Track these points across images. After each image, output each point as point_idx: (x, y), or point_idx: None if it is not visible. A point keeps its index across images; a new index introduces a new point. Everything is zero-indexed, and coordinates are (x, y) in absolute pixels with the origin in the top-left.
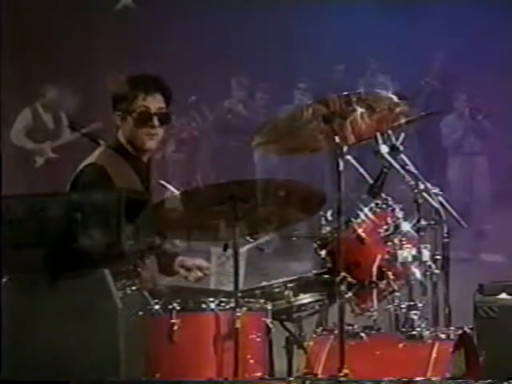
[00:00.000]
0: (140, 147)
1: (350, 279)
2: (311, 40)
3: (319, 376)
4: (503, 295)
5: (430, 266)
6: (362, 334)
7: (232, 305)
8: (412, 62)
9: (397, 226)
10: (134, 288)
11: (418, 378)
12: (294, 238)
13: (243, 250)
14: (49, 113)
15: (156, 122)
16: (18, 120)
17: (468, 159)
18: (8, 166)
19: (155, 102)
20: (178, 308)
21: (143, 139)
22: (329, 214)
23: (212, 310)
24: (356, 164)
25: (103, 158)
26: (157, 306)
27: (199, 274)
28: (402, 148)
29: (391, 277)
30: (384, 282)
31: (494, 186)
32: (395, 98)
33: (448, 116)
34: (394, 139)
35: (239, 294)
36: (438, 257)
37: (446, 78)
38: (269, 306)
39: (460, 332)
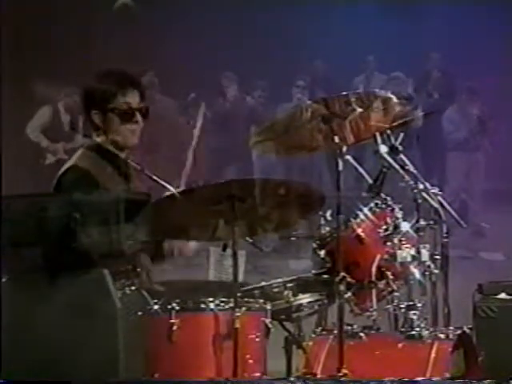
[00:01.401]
0: (123, 144)
1: (349, 279)
2: (310, 38)
3: (318, 376)
4: (502, 295)
5: (429, 266)
6: (362, 334)
7: (231, 305)
8: (411, 60)
9: (396, 226)
10: (133, 288)
11: (420, 378)
12: (293, 238)
13: (242, 250)
14: (68, 114)
15: (138, 117)
16: (38, 116)
17: (469, 156)
18: (17, 160)
19: (135, 98)
20: (177, 308)
21: (126, 136)
22: (328, 214)
23: (211, 309)
24: (355, 164)
25: (84, 160)
26: (156, 306)
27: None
28: (401, 148)
29: (390, 277)
30: (383, 281)
31: (494, 184)
32: (394, 98)
33: (449, 113)
34: (393, 139)
35: (238, 294)
36: (437, 257)
37: (447, 76)
38: (268, 306)
39: (459, 332)
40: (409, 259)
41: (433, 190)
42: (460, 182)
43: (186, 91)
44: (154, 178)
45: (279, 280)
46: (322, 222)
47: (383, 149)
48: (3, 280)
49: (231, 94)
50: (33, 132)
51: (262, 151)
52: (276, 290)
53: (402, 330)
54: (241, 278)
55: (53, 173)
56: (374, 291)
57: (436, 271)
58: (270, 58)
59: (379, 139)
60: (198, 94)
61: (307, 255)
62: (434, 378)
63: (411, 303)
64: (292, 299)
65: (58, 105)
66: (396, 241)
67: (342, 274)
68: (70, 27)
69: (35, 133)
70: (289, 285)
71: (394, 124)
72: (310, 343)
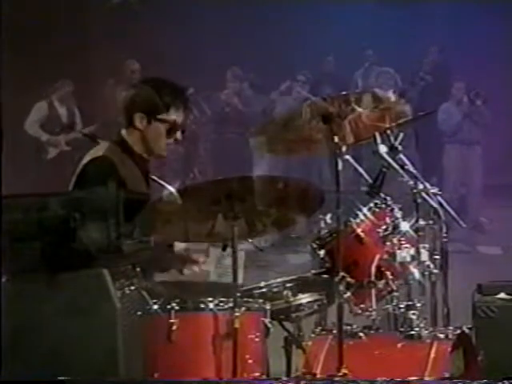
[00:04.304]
0: (155, 153)
1: (348, 279)
2: (310, 34)
3: (318, 376)
4: (502, 295)
5: (428, 266)
6: (361, 334)
7: (231, 305)
8: (410, 52)
9: (395, 226)
10: (132, 288)
11: (412, 378)
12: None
13: (241, 251)
14: (64, 106)
15: (179, 135)
16: (34, 111)
17: (468, 151)
18: (20, 155)
19: (182, 116)
20: (176, 308)
21: (163, 148)
22: (328, 217)
23: (211, 309)
24: (355, 164)
25: (111, 152)
26: (155, 306)
27: (195, 268)
28: (400, 148)
29: (390, 277)
30: (383, 281)
31: (493, 178)
32: (394, 97)
33: (446, 107)
34: (392, 139)
35: (238, 294)
36: (437, 256)
37: (444, 66)
38: (267, 306)
39: (459, 332)
40: (408, 259)
41: (432, 190)
42: (459, 177)
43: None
44: (154, 178)
45: (278, 280)
46: (322, 225)
47: (382, 148)
48: (3, 280)
49: (230, 89)
50: (31, 127)
51: (262, 149)
52: (275, 289)
53: (402, 329)
54: (240, 277)
55: (56, 168)
56: (373, 291)
57: (435, 271)
58: (271, 52)
59: (379, 139)
60: (196, 89)
61: (306, 249)
62: (433, 378)
63: (410, 303)
64: (291, 299)
65: (52, 98)
66: (395, 241)
67: (342, 273)
68: (70, 22)
69: (34, 128)
70: (288, 285)
71: (394, 123)
72: (310, 343)
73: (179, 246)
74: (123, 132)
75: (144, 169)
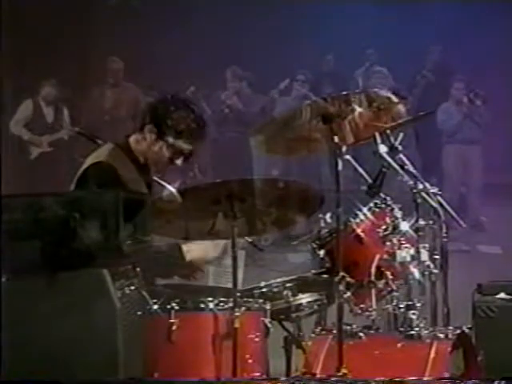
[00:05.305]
0: (151, 163)
1: (348, 279)
2: (309, 32)
3: (318, 376)
4: (502, 295)
5: (428, 266)
6: (361, 334)
7: (231, 304)
8: (411, 52)
9: (395, 226)
10: (132, 288)
11: (411, 378)
12: (295, 242)
13: (241, 250)
14: (50, 106)
15: (180, 162)
16: (19, 110)
17: (467, 150)
18: (3, 155)
19: (191, 148)
20: (176, 308)
21: (159, 170)
22: (328, 216)
23: (211, 309)
24: (355, 164)
25: (112, 157)
26: (155, 306)
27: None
28: (400, 148)
29: (390, 276)
30: (382, 281)
31: (493, 178)
32: (394, 98)
33: (445, 106)
34: (392, 139)
35: (238, 294)
36: (437, 256)
37: (444, 66)
38: (267, 306)
39: (459, 332)
40: (408, 259)
41: (432, 190)
42: (459, 176)
43: (185, 84)
44: (156, 179)
45: (278, 280)
46: (322, 224)
47: (382, 148)
48: (3, 280)
49: (230, 89)
50: (15, 126)
51: (262, 148)
52: (275, 289)
53: (402, 329)
54: (240, 277)
55: (38, 168)
56: (373, 291)
57: (435, 271)
58: (270, 51)
59: (379, 139)
60: (197, 88)
61: (306, 248)
62: (433, 378)
63: (410, 303)
64: (291, 299)
65: (39, 97)
66: (395, 241)
67: (342, 273)
68: (70, 21)
69: (18, 127)
70: (288, 285)
71: (394, 124)
72: (310, 343)
73: (191, 254)
74: (131, 139)
75: (145, 172)
